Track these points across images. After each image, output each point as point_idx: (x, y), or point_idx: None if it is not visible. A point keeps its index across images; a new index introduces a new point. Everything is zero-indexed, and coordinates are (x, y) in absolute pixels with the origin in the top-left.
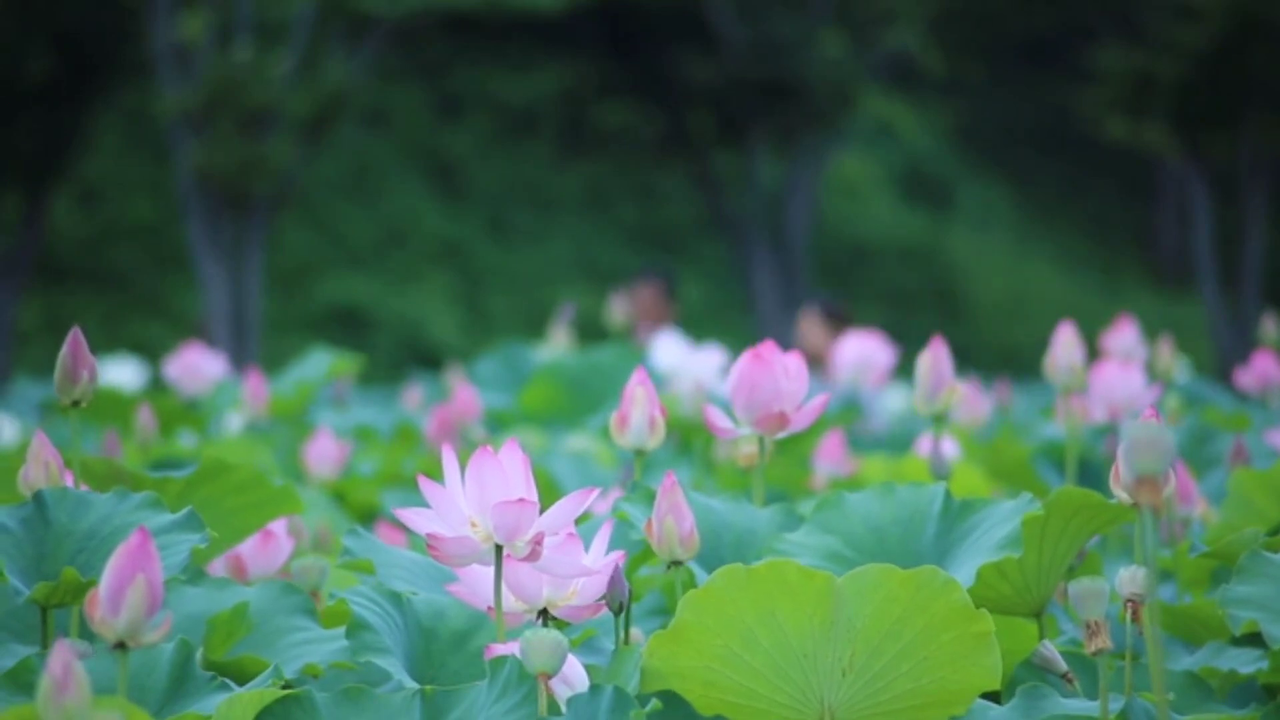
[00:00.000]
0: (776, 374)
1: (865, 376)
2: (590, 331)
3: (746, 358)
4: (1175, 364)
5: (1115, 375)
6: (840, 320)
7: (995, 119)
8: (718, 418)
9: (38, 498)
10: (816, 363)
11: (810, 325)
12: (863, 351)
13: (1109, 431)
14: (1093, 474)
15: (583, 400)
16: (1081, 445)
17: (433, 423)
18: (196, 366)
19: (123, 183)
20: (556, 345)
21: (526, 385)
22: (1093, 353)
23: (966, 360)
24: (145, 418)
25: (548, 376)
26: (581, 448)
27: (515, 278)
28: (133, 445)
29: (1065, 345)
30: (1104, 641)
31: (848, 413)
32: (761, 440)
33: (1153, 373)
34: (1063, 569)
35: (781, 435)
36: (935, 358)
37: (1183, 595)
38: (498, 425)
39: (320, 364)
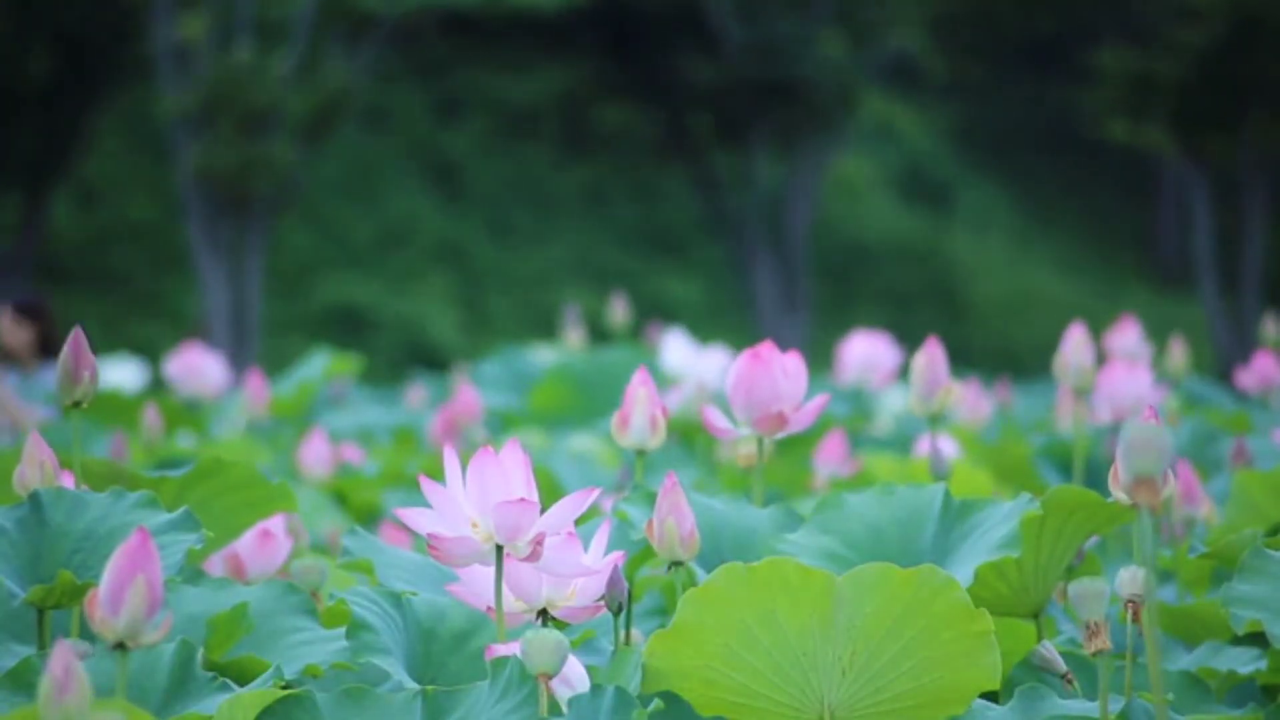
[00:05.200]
0: (775, 374)
1: (871, 377)
2: (591, 332)
3: (744, 358)
4: (1180, 365)
5: (1121, 376)
6: (33, 316)
7: (995, 120)
8: (716, 418)
9: (34, 498)
10: (17, 361)
11: (7, 324)
12: (868, 352)
13: (1115, 432)
14: (1099, 474)
15: (592, 401)
16: (1087, 445)
17: (438, 423)
18: (196, 366)
19: (123, 183)
20: (568, 345)
21: (536, 386)
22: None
23: (966, 360)
24: (151, 418)
25: (557, 377)
26: (585, 448)
27: (515, 278)
28: (138, 446)
29: (1076, 346)
30: (1103, 642)
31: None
32: (760, 441)
33: (1160, 373)
34: (1061, 569)
35: (780, 436)
36: (930, 359)
37: (1184, 596)
38: (504, 426)
39: (320, 365)
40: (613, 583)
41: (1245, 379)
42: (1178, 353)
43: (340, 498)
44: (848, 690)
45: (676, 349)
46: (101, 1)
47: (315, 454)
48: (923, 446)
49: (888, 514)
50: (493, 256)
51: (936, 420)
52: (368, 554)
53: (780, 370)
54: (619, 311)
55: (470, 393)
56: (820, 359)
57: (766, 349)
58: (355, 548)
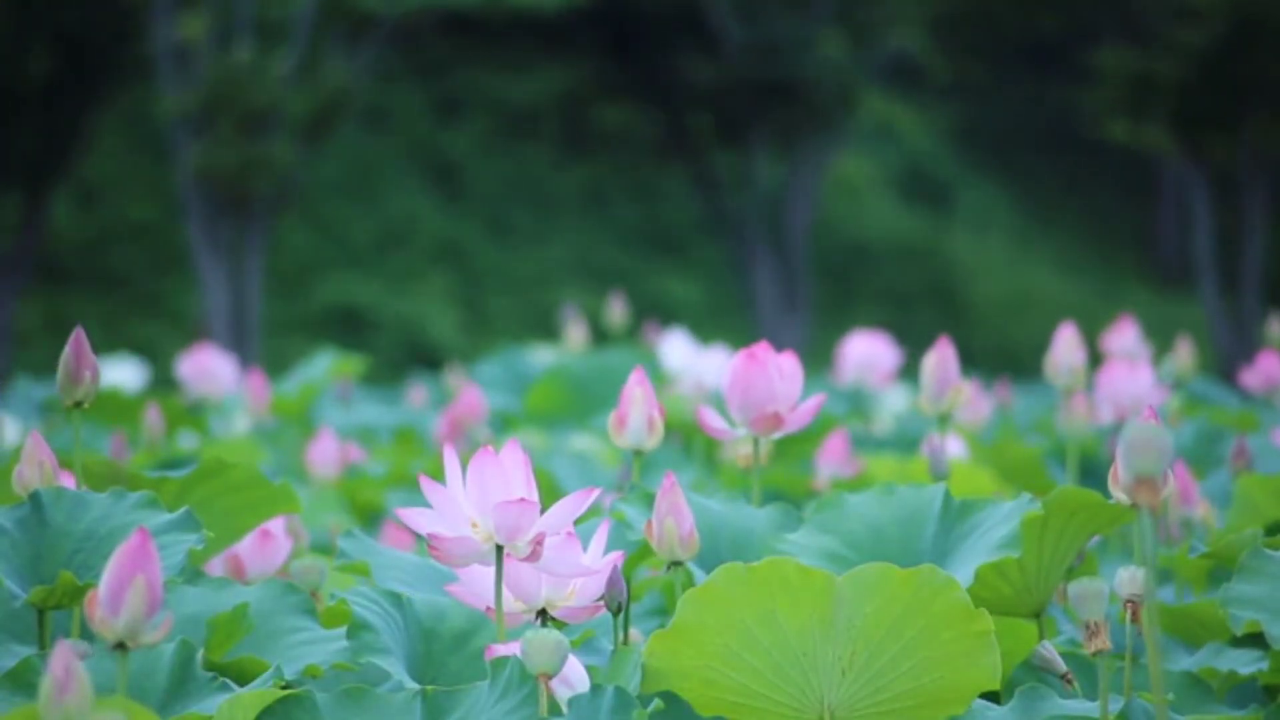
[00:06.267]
0: (771, 374)
1: (870, 376)
2: (590, 332)
3: (740, 359)
4: (1188, 365)
5: (1122, 375)
6: None
7: (996, 120)
8: (711, 419)
9: (34, 498)
10: None
11: None
12: (868, 351)
13: (1117, 431)
14: (1101, 474)
15: (590, 401)
16: (1088, 445)
17: (442, 423)
18: (208, 367)
19: (123, 183)
20: (569, 345)
21: (533, 386)
22: (1093, 353)
23: (967, 360)
24: (153, 419)
25: (555, 377)
26: (584, 448)
27: (515, 278)
28: (140, 446)
29: (1066, 346)
30: (1103, 642)
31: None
32: (756, 441)
33: (1167, 373)
34: (1062, 569)
35: (776, 436)
36: (941, 358)
37: (1183, 596)
38: (504, 426)
39: (324, 365)
40: (612, 583)
41: (1250, 378)
42: (1184, 353)
43: (343, 498)
44: (848, 690)
45: (677, 349)
46: (101, 1)
47: (323, 454)
48: (929, 446)
49: (888, 514)
50: (493, 256)
51: (945, 420)
52: (364, 556)
53: (776, 371)
54: (617, 311)
55: (474, 393)
56: (820, 359)
57: (762, 349)
58: (351, 549)
